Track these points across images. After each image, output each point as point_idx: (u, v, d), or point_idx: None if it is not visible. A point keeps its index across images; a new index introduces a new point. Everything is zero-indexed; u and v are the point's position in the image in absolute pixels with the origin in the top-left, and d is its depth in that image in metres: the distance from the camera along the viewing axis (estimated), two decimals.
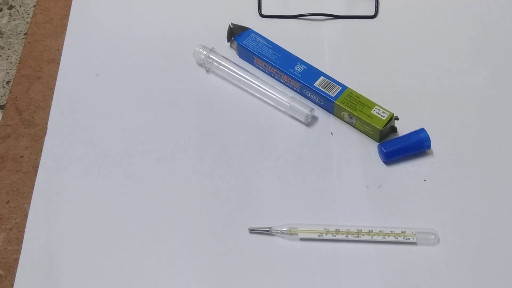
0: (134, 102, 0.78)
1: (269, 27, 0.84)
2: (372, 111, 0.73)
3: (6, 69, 1.50)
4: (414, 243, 0.66)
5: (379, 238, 0.65)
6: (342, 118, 0.76)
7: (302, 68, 0.77)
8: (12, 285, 0.64)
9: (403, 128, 0.74)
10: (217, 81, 0.80)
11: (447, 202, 0.69)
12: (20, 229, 0.68)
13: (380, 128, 0.71)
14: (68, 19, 0.86)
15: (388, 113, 0.73)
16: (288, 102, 0.75)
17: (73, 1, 0.87)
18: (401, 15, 0.86)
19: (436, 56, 0.81)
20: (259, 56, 0.79)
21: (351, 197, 0.69)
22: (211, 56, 0.79)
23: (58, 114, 0.77)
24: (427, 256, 0.65)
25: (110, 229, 0.67)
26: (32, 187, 0.71)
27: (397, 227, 0.67)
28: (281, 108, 0.76)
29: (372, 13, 0.86)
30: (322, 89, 0.75)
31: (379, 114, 0.73)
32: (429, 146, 0.72)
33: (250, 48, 0.79)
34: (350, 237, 0.66)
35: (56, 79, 0.80)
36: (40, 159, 0.73)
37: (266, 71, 0.80)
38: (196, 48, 0.79)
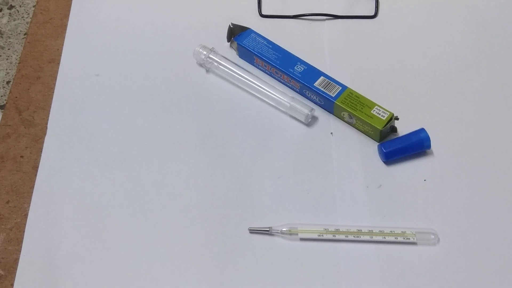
0: (134, 102, 0.78)
1: (269, 27, 0.84)
2: (372, 111, 0.73)
3: (6, 69, 1.50)
4: (414, 243, 0.66)
5: (379, 238, 0.65)
6: (342, 118, 0.76)
7: (302, 68, 0.77)
8: (12, 285, 0.64)
9: (403, 128, 0.74)
10: (217, 81, 0.80)
11: (447, 202, 0.69)
12: (20, 229, 0.68)
13: (380, 128, 0.71)
14: (68, 19, 0.86)
15: (388, 113, 0.73)
16: (288, 102, 0.75)
17: (73, 1, 0.87)
18: (401, 15, 0.86)
19: (436, 56, 0.81)
20: (259, 56, 0.79)
21: (351, 197, 0.69)
22: (211, 56, 0.79)
23: (58, 114, 0.77)
24: (427, 256, 0.65)
25: (110, 229, 0.67)
26: (32, 187, 0.70)
27: (397, 227, 0.67)
28: (281, 108, 0.76)
29: (372, 13, 0.86)
30: (322, 89, 0.75)
31: (379, 114, 0.73)
32: (429, 146, 0.72)
33: (250, 48, 0.79)
34: (350, 237, 0.66)
35: (56, 79, 0.80)
36: (40, 159, 0.73)
37: (266, 71, 0.80)
38: (196, 48, 0.79)
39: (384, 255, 0.65)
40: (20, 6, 1.61)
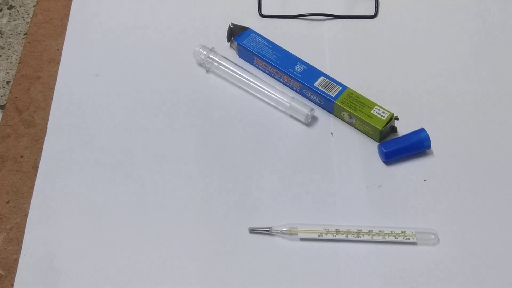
0: (134, 102, 0.78)
1: (269, 27, 0.84)
2: (372, 111, 0.73)
3: (6, 69, 1.50)
4: (414, 243, 0.66)
5: (379, 238, 0.65)
6: (342, 118, 0.76)
7: (302, 68, 0.77)
8: (12, 285, 0.64)
9: (403, 128, 0.74)
10: (217, 81, 0.80)
11: (447, 202, 0.69)
12: (20, 229, 0.68)
13: (380, 128, 0.71)
14: (68, 19, 0.86)
15: (388, 113, 0.73)
16: (288, 102, 0.75)
17: (73, 1, 0.87)
18: (401, 15, 0.86)
19: (436, 56, 0.81)
20: (259, 56, 0.79)
21: (351, 197, 0.69)
22: (211, 56, 0.79)
23: (58, 114, 0.77)
24: (427, 256, 0.65)
25: (110, 229, 0.67)
26: (32, 187, 0.71)
27: (397, 227, 0.67)
28: (281, 108, 0.76)
29: (372, 13, 0.86)
30: (322, 89, 0.75)
31: (379, 114, 0.73)
32: (429, 146, 0.72)
33: (250, 48, 0.79)
34: (350, 237, 0.66)
35: (56, 79, 0.80)
36: (40, 159, 0.73)
37: (266, 71, 0.80)
38: (196, 48, 0.79)
39: (384, 255, 0.65)
40: (20, 6, 1.61)
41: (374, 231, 0.66)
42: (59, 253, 0.66)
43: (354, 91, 0.75)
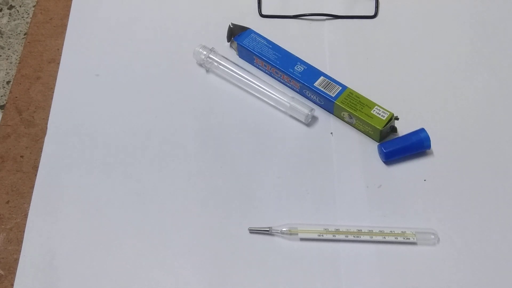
0: (134, 102, 0.78)
1: (269, 27, 0.84)
2: (372, 111, 0.73)
3: (6, 69, 1.50)
4: (414, 243, 0.66)
5: (379, 238, 0.65)
6: (342, 118, 0.76)
7: (302, 68, 0.77)
8: (12, 285, 0.64)
9: (403, 128, 0.74)
10: (217, 81, 0.80)
11: (447, 202, 0.69)
12: (20, 229, 0.68)
13: (380, 128, 0.72)
14: (68, 19, 0.86)
15: (388, 113, 0.73)
16: (288, 102, 0.75)
17: (73, 1, 0.87)
18: (401, 15, 0.86)
19: (436, 56, 0.81)
20: (259, 56, 0.79)
21: (351, 197, 0.69)
22: (211, 56, 0.79)
23: (58, 114, 0.77)
24: (427, 256, 0.65)
25: (110, 229, 0.67)
26: (32, 187, 0.70)
27: (397, 227, 0.67)
28: (281, 108, 0.76)
29: (372, 13, 0.86)
30: (322, 89, 0.75)
31: (379, 114, 0.73)
32: (429, 146, 0.72)
33: (250, 48, 0.79)
34: (350, 237, 0.66)
35: (56, 79, 0.80)
36: (40, 159, 0.73)
37: (266, 71, 0.80)
38: (196, 48, 0.79)
39: (384, 255, 0.65)
40: (20, 6, 1.61)
41: (374, 231, 0.66)
42: (59, 253, 0.66)
43: (354, 91, 0.75)
